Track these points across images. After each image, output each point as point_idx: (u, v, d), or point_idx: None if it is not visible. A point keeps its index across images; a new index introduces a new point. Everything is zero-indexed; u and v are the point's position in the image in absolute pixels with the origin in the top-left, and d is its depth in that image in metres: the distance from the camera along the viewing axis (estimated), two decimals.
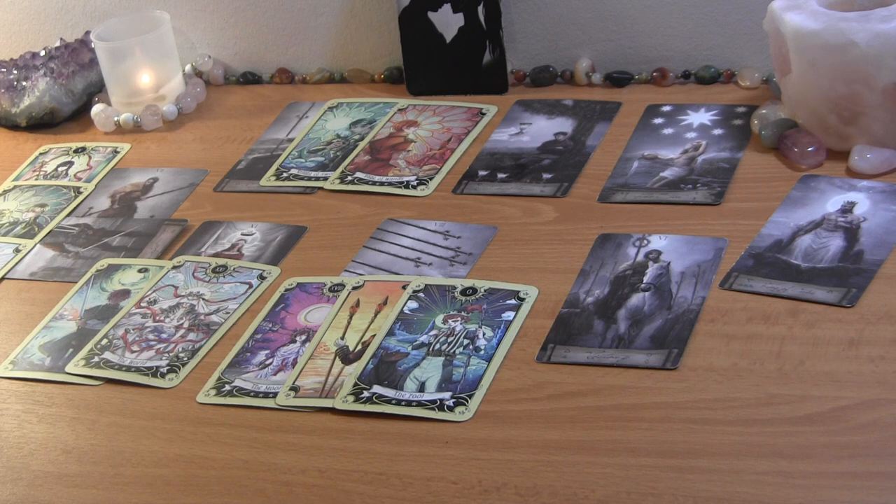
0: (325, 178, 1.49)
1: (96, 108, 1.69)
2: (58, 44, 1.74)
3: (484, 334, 1.20)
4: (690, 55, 1.56)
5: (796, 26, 1.32)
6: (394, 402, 1.14)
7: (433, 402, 1.13)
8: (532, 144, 1.49)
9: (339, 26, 1.70)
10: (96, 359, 1.27)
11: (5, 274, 1.43)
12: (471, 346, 1.19)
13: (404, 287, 1.28)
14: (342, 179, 1.48)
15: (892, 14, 1.30)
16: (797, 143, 1.36)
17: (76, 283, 1.39)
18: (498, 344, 1.19)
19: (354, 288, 1.29)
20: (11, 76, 1.71)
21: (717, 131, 1.44)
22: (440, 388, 1.15)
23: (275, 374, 1.21)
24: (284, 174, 1.51)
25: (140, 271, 1.39)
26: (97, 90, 1.73)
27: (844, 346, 1.11)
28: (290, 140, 1.58)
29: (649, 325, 1.17)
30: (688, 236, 1.28)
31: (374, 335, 1.23)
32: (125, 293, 1.36)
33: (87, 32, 1.73)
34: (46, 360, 1.28)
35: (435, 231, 1.37)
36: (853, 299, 1.16)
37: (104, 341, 1.29)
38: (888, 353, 1.10)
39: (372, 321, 1.24)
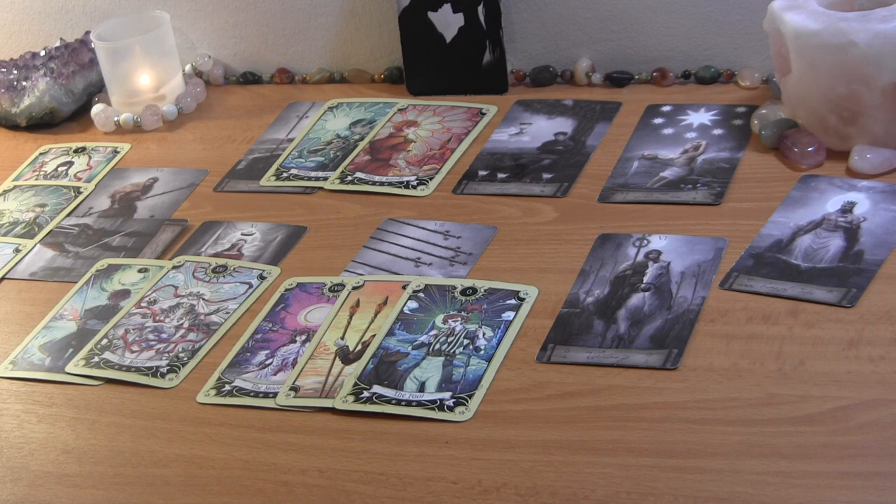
0: (325, 178, 1.49)
1: (96, 108, 1.69)
2: (58, 44, 1.74)
3: (484, 334, 1.20)
4: (690, 55, 1.56)
5: (796, 26, 1.32)
6: (394, 402, 1.14)
7: (433, 402, 1.13)
8: (532, 144, 1.49)
9: (339, 26, 1.70)
10: (96, 359, 1.27)
11: (5, 274, 1.43)
12: (471, 346, 1.19)
13: (404, 287, 1.28)
14: (342, 179, 1.48)
15: (892, 14, 1.29)
16: (797, 143, 1.36)
17: (76, 283, 1.39)
18: (498, 344, 1.19)
19: (354, 288, 1.29)
20: (11, 76, 1.71)
21: (717, 131, 1.44)
22: (440, 388, 1.15)
23: (275, 374, 1.21)
24: (284, 174, 1.51)
25: (140, 271, 1.39)
26: (97, 90, 1.73)
27: (844, 346, 1.11)
28: (290, 140, 1.58)
29: (649, 325, 1.17)
30: (688, 236, 1.28)
31: (374, 335, 1.22)
32: (125, 293, 1.36)
33: (87, 32, 1.73)
34: (46, 360, 1.28)
35: (435, 231, 1.37)
36: (853, 299, 1.16)
37: (104, 341, 1.29)
38: (888, 353, 1.10)
39: (372, 321, 1.24)
